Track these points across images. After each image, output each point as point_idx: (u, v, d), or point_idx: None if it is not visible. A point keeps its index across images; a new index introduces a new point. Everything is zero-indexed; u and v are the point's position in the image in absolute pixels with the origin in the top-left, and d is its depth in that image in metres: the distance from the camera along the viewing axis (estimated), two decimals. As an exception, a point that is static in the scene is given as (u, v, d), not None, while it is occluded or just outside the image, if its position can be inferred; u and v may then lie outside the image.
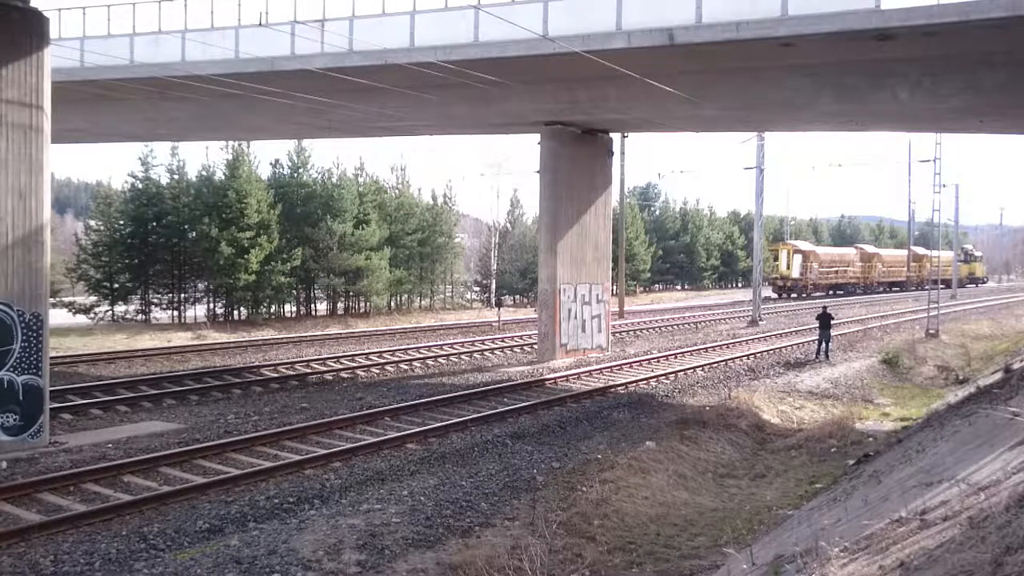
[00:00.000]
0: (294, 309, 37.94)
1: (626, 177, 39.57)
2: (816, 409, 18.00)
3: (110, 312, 32.90)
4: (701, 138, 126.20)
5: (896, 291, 66.69)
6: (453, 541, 9.00)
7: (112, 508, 9.76)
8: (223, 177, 33.71)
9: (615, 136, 27.23)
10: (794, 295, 57.76)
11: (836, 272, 62.09)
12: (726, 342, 28.02)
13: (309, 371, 20.37)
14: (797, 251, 58.89)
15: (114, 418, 15.12)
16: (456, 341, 26.76)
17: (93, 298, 32.73)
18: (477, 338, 27.85)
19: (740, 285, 75.27)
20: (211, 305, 35.12)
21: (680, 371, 21.52)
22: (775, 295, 58.33)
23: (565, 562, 8.39)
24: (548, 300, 23.34)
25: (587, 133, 23.85)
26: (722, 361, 23.55)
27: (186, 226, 33.25)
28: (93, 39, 21.08)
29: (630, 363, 22.49)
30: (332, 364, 21.53)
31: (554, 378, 19.82)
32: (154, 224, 33.18)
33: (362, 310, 38.51)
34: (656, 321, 35.74)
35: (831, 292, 60.98)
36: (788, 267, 58.01)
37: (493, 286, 48.13)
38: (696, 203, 76.59)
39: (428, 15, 18.22)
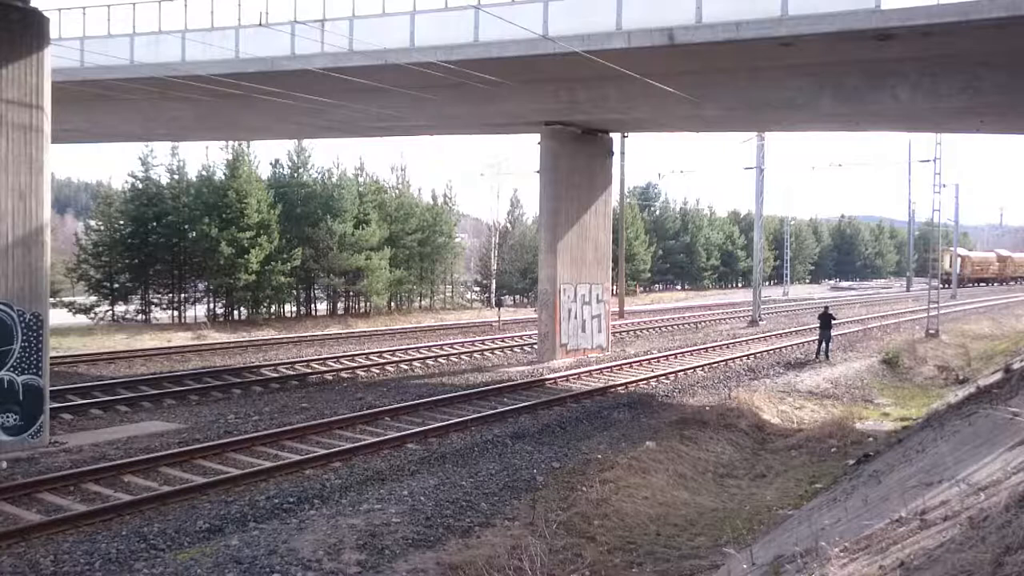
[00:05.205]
0: (294, 309, 37.95)
1: (626, 177, 39.64)
2: (816, 409, 17.99)
3: (110, 312, 32.91)
4: (701, 138, 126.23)
5: None
6: (453, 541, 9.00)
7: (112, 508, 9.76)
8: (223, 177, 33.71)
9: (615, 136, 27.21)
10: (951, 285, 71.05)
11: (982, 269, 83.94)
12: (726, 342, 28.02)
13: (309, 371, 20.37)
14: (957, 255, 75.43)
15: (114, 418, 15.11)
16: (456, 341, 26.76)
17: (93, 298, 32.74)
18: (477, 338, 27.85)
19: (740, 285, 75.29)
20: (211, 305, 35.12)
21: (680, 371, 21.52)
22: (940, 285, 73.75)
23: (565, 562, 8.39)
24: (548, 300, 23.34)
25: (587, 133, 23.85)
26: (722, 361, 23.55)
27: (186, 226, 33.25)
28: (93, 39, 21.06)
29: (630, 363, 22.48)
30: (332, 364, 21.53)
31: (554, 378, 19.82)
32: (154, 224, 33.18)
33: (362, 310, 38.51)
34: (656, 321, 35.74)
35: (977, 283, 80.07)
36: (951, 266, 72.88)
37: (493, 286, 48.16)
38: (696, 203, 76.79)
39: (428, 15, 18.21)
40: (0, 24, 12.34)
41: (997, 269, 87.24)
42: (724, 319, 38.74)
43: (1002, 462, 7.24)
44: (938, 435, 10.69)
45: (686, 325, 35.33)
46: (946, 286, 72.52)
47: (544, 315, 23.45)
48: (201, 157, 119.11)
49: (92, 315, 32.00)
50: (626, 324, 33.40)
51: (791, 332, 31.91)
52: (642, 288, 60.91)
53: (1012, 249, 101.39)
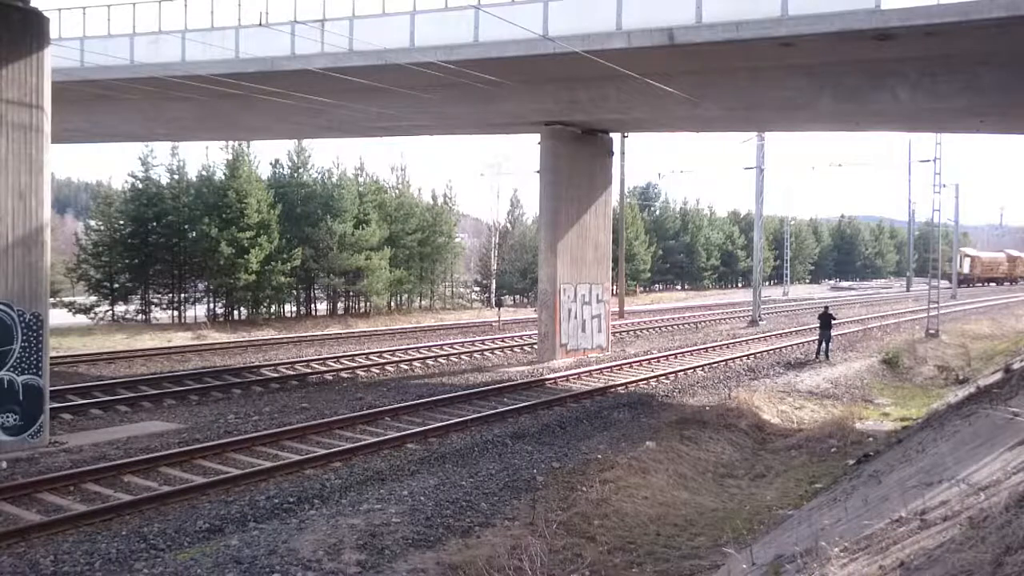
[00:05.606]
0: (294, 309, 37.97)
1: (626, 177, 39.63)
2: (816, 409, 17.99)
3: (110, 312, 32.92)
4: (701, 138, 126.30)
5: None
6: (453, 541, 9.00)
7: (112, 508, 9.76)
8: (223, 177, 33.73)
9: (615, 136, 27.23)
10: (965, 284, 73.94)
11: (991, 269, 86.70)
12: (726, 342, 28.02)
13: (309, 371, 20.38)
14: (967, 256, 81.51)
15: (114, 418, 15.12)
16: (456, 341, 26.76)
17: (93, 298, 32.75)
18: (477, 338, 27.85)
19: (740, 285, 75.29)
20: (211, 305, 35.14)
21: (680, 371, 21.52)
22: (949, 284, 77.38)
23: (565, 562, 8.39)
24: (548, 300, 23.34)
25: (587, 133, 23.85)
26: (722, 361, 23.55)
27: (186, 226, 33.29)
28: (93, 39, 21.08)
29: (630, 363, 22.48)
30: (332, 364, 21.53)
31: (554, 378, 19.82)
32: (154, 224, 33.21)
33: (362, 310, 38.53)
34: (656, 321, 35.74)
35: (987, 283, 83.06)
36: (961, 266, 76.47)
37: (493, 286, 48.16)
38: (696, 203, 76.76)
39: (428, 15, 18.22)
40: (0, 24, 12.34)
41: (1007, 269, 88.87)
42: (724, 319, 38.73)
43: (1002, 462, 7.24)
44: (938, 435, 10.69)
45: (686, 325, 35.33)
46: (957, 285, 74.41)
47: (544, 315, 23.45)
48: (201, 157, 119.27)
49: (92, 315, 32.01)
50: (626, 324, 33.40)
51: (791, 332, 31.91)
52: (642, 288, 60.90)
53: (1015, 249, 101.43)
